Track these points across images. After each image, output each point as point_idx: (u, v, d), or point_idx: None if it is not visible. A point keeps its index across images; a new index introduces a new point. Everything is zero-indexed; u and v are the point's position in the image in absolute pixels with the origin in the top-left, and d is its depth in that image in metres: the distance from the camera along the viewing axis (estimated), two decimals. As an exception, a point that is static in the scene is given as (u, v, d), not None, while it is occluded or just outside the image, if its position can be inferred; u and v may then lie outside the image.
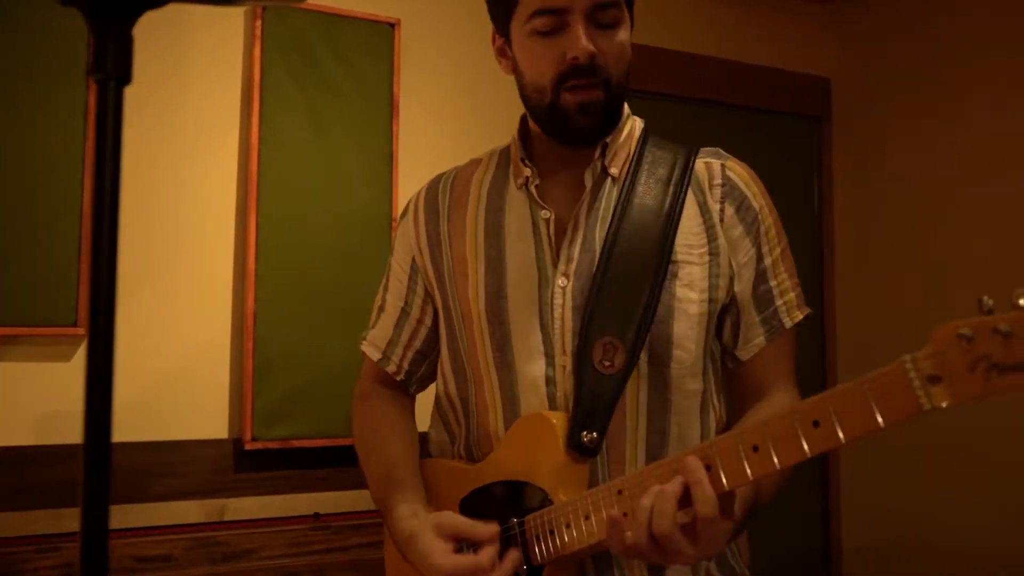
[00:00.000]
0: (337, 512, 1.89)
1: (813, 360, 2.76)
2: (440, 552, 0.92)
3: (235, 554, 1.76)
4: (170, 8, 0.54)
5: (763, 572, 2.43)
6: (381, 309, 1.15)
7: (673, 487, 0.79)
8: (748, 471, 0.77)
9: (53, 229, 1.73)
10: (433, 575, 0.92)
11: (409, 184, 1.95)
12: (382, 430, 1.10)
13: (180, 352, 1.86)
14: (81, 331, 1.73)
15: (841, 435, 0.71)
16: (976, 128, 2.41)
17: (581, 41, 0.93)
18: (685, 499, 0.78)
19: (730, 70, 2.65)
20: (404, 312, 1.12)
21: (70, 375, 1.77)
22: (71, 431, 1.74)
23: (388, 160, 2.01)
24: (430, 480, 1.06)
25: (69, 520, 1.63)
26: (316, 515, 1.87)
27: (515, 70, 1.03)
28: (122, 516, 1.69)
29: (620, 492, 0.85)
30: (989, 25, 2.39)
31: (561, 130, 0.99)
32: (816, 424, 0.73)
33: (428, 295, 1.10)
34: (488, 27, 1.06)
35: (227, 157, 1.94)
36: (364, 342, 1.15)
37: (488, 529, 0.92)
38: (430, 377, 1.16)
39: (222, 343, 1.90)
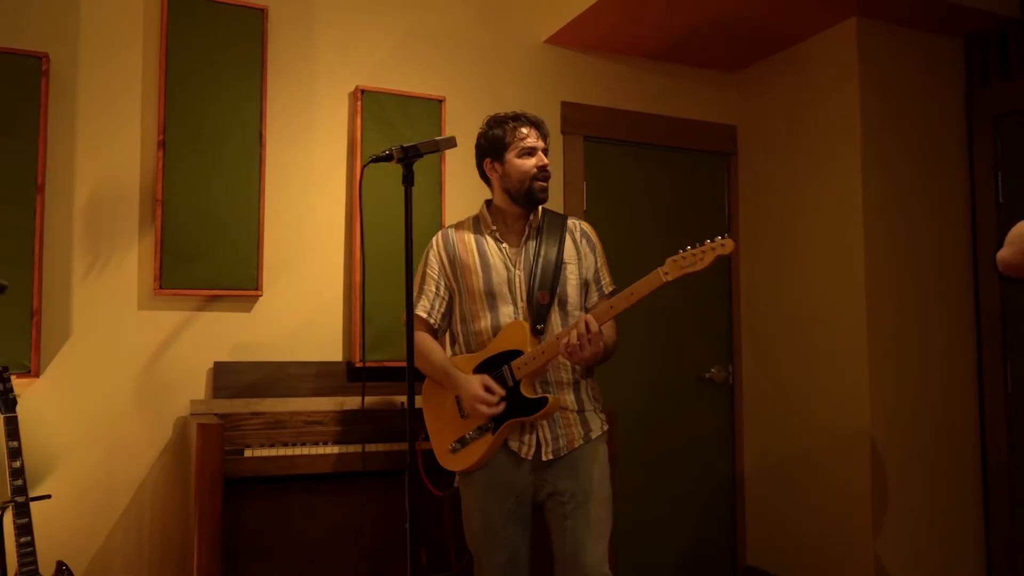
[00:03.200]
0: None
1: (722, 323, 3.92)
2: (475, 380, 2.18)
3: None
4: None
5: (689, 488, 3.78)
6: (422, 293, 2.37)
7: (580, 323, 2.02)
8: (607, 314, 2.03)
9: (241, 225, 2.86)
10: (470, 387, 2.17)
11: (451, 214, 3.11)
12: (431, 346, 2.34)
13: (308, 307, 3.01)
14: (260, 292, 2.88)
15: (635, 297, 1.99)
16: (837, 163, 3.56)
17: (544, 159, 2.26)
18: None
19: (663, 121, 3.75)
20: (437, 294, 2.35)
21: (251, 321, 2.92)
22: (252, 353, 2.89)
23: (438, 195, 3.16)
24: (455, 364, 2.31)
25: (267, 405, 2.77)
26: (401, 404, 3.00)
27: (501, 175, 2.31)
28: (284, 404, 2.82)
29: (556, 337, 2.09)
30: (841, 85, 3.51)
31: (529, 200, 2.29)
32: (631, 295, 1.98)
33: (447, 286, 2.35)
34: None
35: (338, 192, 3.09)
36: (418, 308, 2.35)
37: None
38: (447, 327, 2.41)
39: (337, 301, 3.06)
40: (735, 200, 3.95)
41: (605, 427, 2.32)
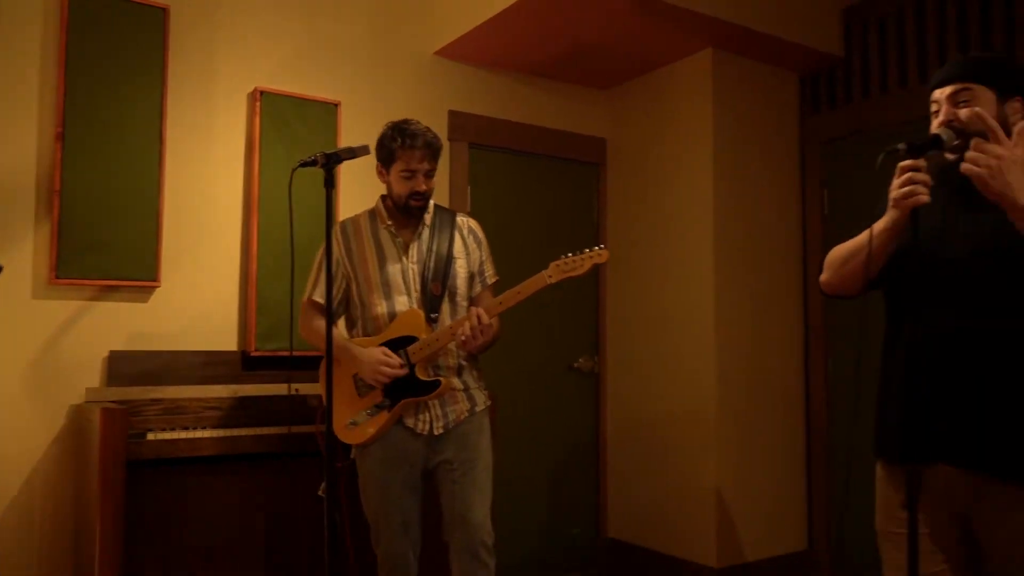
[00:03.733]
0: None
1: (591, 318, 4.30)
2: (375, 349, 2.39)
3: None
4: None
5: (557, 468, 4.13)
6: (317, 280, 2.57)
7: (472, 316, 2.28)
8: (496, 309, 2.32)
9: (140, 217, 2.94)
10: (371, 355, 2.39)
11: (345, 209, 3.30)
12: (322, 325, 2.47)
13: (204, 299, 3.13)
14: (157, 283, 2.97)
15: (521, 295, 2.29)
16: (692, 176, 3.99)
17: (421, 186, 2.47)
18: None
19: (541, 131, 4.08)
20: (334, 281, 2.51)
21: (149, 311, 3.01)
22: (148, 343, 2.98)
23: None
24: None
25: (165, 392, 2.87)
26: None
27: (386, 182, 2.54)
28: (182, 391, 2.93)
29: (449, 327, 2.35)
30: (697, 107, 3.95)
31: (405, 212, 2.51)
32: (518, 293, 2.27)
33: (344, 274, 2.55)
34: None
35: (236, 187, 3.21)
36: (313, 295, 2.57)
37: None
38: (343, 312, 2.60)
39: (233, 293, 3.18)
40: (604, 206, 4.33)
41: (488, 402, 2.60)
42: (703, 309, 3.75)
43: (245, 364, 3.14)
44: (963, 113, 1.72)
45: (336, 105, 3.38)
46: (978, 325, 1.67)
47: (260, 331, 3.14)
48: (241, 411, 2.97)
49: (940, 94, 1.78)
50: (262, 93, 3.20)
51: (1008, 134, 1.65)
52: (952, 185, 1.75)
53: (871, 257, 1.77)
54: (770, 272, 3.94)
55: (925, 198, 1.61)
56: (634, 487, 4.07)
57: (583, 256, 2.35)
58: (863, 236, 1.80)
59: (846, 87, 3.91)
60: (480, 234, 2.67)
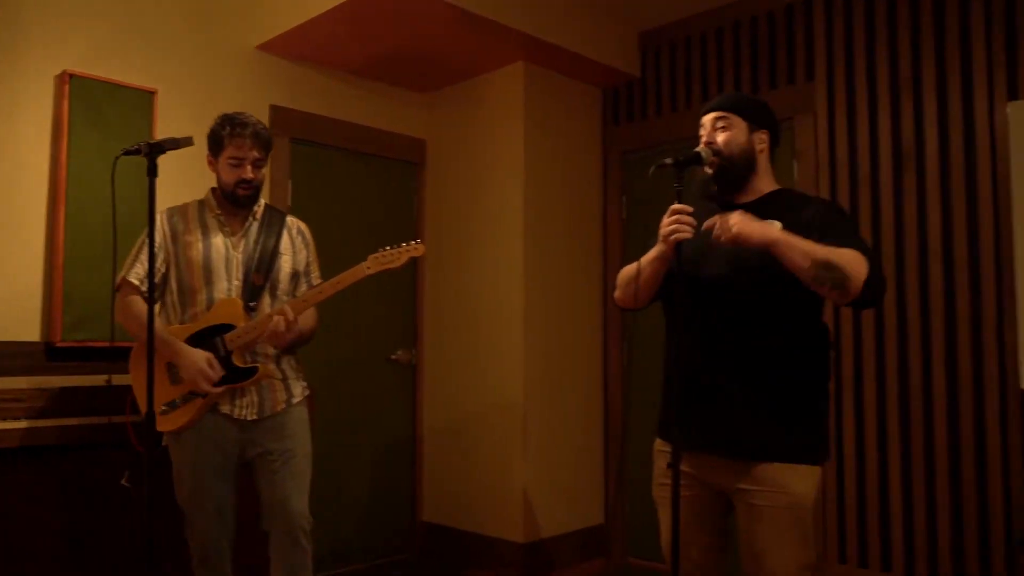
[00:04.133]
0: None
1: (409, 313, 4.47)
2: (201, 355, 2.44)
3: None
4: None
5: (374, 456, 4.29)
6: (136, 261, 2.56)
7: (283, 309, 2.40)
8: (316, 297, 2.44)
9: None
10: (195, 359, 2.43)
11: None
12: (141, 311, 2.48)
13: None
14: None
15: (340, 285, 2.43)
16: (504, 180, 4.26)
17: (248, 174, 2.53)
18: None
19: (363, 130, 4.20)
20: (153, 265, 2.48)
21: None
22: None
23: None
24: (172, 333, 2.54)
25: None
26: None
27: (215, 171, 2.59)
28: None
29: (267, 316, 2.44)
30: (510, 115, 4.21)
31: (234, 201, 2.57)
32: (337, 283, 2.41)
33: (165, 259, 2.56)
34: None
35: (41, 173, 3.10)
36: (128, 276, 2.56)
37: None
38: (159, 297, 2.59)
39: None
40: (423, 205, 4.52)
41: (307, 392, 2.71)
42: (513, 305, 4.03)
43: (50, 355, 3.04)
44: (719, 137, 2.08)
45: (153, 93, 3.34)
46: (729, 338, 2.01)
47: (68, 321, 3.05)
48: (45, 402, 2.89)
49: (707, 119, 2.14)
50: (71, 76, 3.11)
51: (754, 162, 2.07)
52: (713, 201, 2.12)
53: (639, 286, 2.11)
54: (575, 271, 4.29)
55: (688, 235, 1.93)
56: (448, 473, 4.29)
57: (400, 250, 2.51)
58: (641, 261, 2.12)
59: (642, 104, 4.34)
60: (308, 236, 2.76)
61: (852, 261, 1.82)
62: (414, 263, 4.43)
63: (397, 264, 2.51)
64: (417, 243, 2.54)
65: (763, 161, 2.10)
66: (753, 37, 3.91)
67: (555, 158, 4.21)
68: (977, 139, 3.22)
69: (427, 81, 4.35)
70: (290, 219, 2.74)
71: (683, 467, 2.03)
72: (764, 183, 2.10)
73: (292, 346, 2.60)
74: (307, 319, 2.60)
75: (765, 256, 1.89)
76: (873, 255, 1.88)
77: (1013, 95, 3.14)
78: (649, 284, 2.10)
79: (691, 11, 4.09)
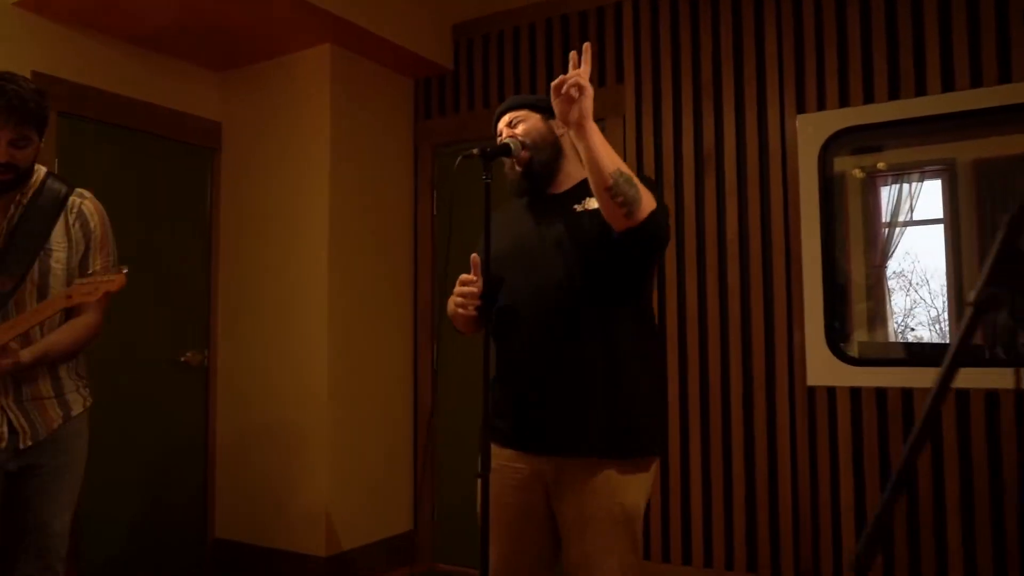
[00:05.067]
0: None
1: (201, 311, 4.09)
2: None
3: None
4: None
5: (161, 466, 3.85)
6: None
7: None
8: (12, 331, 2.01)
9: None
10: None
11: None
12: None
13: None
14: None
15: (38, 316, 2.05)
16: (310, 168, 3.98)
17: (4, 156, 2.06)
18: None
19: (146, 107, 3.77)
20: None
21: None
22: None
23: None
24: None
25: None
26: None
27: None
28: None
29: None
30: (316, 99, 3.96)
31: None
32: (37, 313, 2.04)
33: None
34: None
35: None
36: None
37: None
38: None
39: None
40: (218, 193, 4.15)
41: (88, 402, 2.31)
42: (316, 304, 3.78)
43: None
44: (519, 129, 2.09)
45: None
46: (541, 346, 1.96)
47: None
48: None
49: (501, 124, 2.15)
50: None
51: (559, 146, 2.08)
52: (522, 200, 2.12)
53: (458, 326, 2.11)
54: (383, 266, 4.11)
55: (472, 312, 1.93)
56: (244, 484, 3.96)
57: (98, 281, 2.11)
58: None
59: (455, 98, 4.23)
60: (93, 219, 2.26)
61: (646, 192, 1.83)
62: (206, 254, 4.07)
63: (93, 298, 2.10)
64: (116, 274, 2.12)
65: (567, 144, 2.09)
66: (565, 36, 3.92)
67: (363, 149, 4.01)
68: (770, 146, 3.40)
69: (222, 58, 3.99)
70: (73, 199, 2.26)
71: (515, 465, 1.99)
72: (574, 166, 2.09)
73: (49, 364, 2.19)
74: (62, 337, 2.17)
75: (589, 256, 1.91)
76: (663, 208, 1.89)
77: (801, 108, 3.34)
78: (468, 322, 2.08)
79: (504, 6, 4.04)
